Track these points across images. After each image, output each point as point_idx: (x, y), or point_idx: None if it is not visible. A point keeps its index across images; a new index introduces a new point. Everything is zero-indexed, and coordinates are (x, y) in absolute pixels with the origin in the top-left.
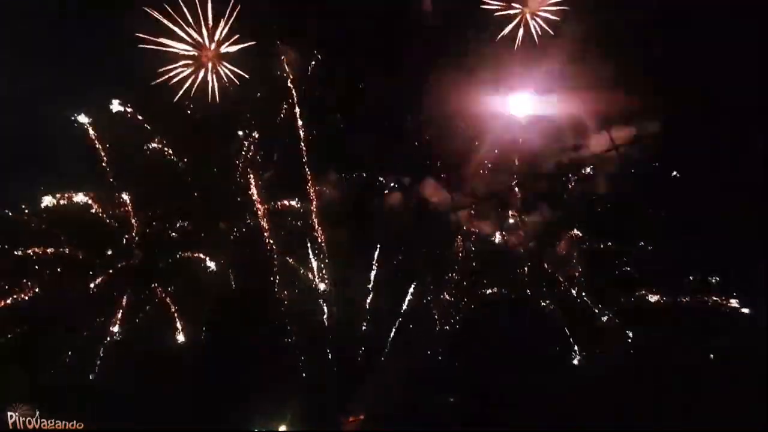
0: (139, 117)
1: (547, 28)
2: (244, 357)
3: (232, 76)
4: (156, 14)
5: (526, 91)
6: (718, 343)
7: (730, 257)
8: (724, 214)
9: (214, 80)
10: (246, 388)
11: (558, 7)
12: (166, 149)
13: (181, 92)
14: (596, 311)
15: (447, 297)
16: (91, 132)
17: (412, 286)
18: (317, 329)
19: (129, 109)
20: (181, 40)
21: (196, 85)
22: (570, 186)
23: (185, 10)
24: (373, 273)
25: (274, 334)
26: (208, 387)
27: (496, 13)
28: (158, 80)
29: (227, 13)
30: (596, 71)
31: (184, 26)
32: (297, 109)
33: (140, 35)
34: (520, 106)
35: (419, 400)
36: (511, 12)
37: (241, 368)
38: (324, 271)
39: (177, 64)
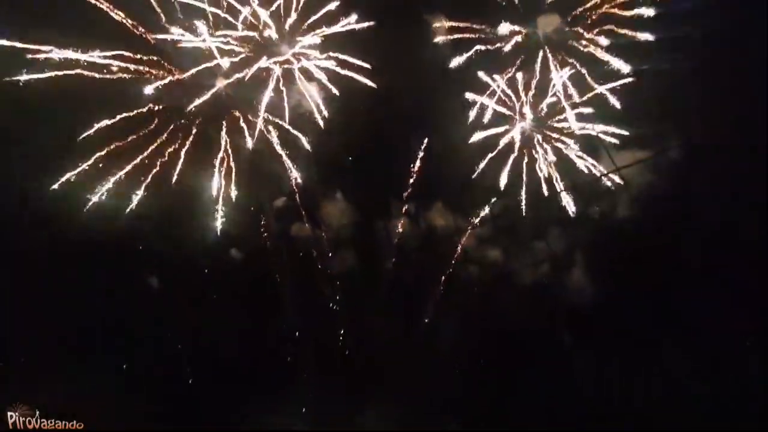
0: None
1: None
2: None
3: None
4: None
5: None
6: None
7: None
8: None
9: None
10: (260, 389)
11: (570, 28)
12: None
13: None
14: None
15: (455, 321)
16: None
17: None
18: (327, 351)
19: None
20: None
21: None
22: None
23: None
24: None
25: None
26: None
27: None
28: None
29: None
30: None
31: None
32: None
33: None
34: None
35: (425, 423)
36: (523, 35)
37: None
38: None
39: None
